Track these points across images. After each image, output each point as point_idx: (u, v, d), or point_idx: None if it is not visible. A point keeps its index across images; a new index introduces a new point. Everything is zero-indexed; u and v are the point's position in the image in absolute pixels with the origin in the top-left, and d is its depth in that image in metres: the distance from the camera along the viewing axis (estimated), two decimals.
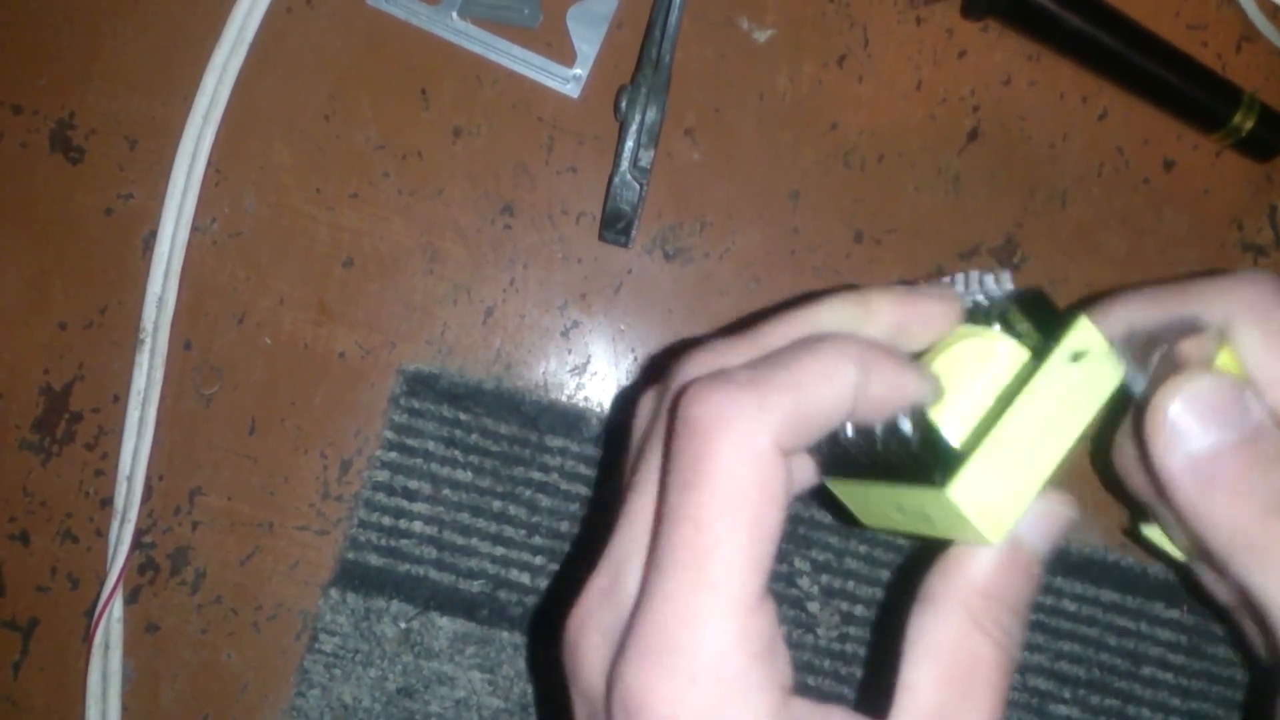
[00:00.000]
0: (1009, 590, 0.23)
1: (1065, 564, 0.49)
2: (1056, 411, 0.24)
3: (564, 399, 0.49)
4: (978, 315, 0.27)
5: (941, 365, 0.26)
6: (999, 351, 0.26)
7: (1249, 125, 0.49)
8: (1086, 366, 0.25)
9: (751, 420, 0.21)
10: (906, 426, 0.24)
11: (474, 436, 0.48)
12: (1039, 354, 0.25)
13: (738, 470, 0.21)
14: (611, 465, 0.49)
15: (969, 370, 0.26)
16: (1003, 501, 0.24)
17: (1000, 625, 0.23)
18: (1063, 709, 0.48)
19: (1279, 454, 0.23)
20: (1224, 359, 0.26)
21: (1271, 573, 0.23)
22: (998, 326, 0.26)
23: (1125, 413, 0.28)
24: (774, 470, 0.21)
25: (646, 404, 0.26)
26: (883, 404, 0.24)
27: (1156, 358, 0.25)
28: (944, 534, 0.25)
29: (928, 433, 0.25)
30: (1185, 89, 0.49)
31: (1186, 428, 0.23)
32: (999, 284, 0.27)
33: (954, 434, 0.25)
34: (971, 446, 0.24)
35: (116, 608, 0.47)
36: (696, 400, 0.22)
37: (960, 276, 0.27)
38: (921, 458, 0.24)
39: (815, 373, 0.22)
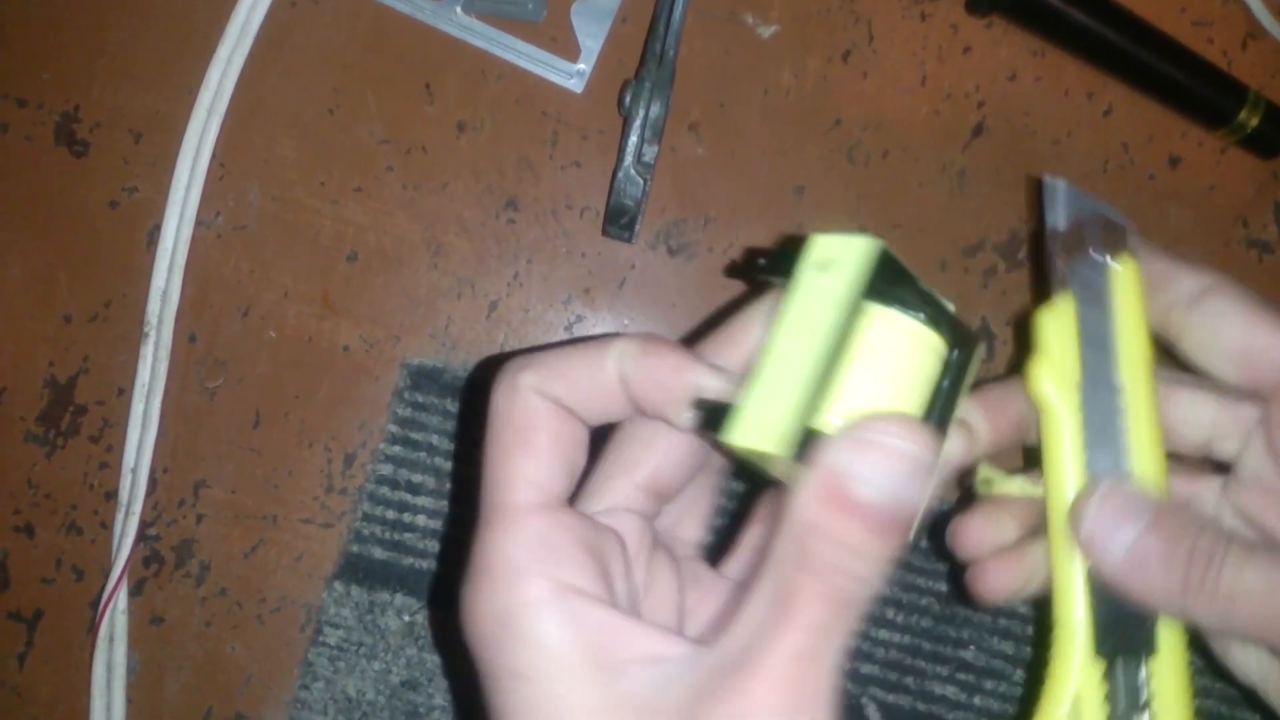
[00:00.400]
0: (833, 525, 0.22)
1: None
2: (809, 319, 0.24)
3: None
4: None
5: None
6: (771, 304, 0.26)
7: (1254, 122, 0.49)
8: (833, 270, 0.25)
9: (516, 374, 0.26)
10: (692, 414, 0.26)
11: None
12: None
13: (500, 406, 0.26)
14: None
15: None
16: (775, 415, 0.24)
17: (822, 559, 0.22)
18: None
19: (1185, 524, 0.27)
20: (1128, 271, 0.30)
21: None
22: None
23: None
24: (530, 403, 0.26)
25: None
26: (661, 387, 0.26)
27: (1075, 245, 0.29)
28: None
29: (705, 406, 0.25)
30: (1190, 86, 0.49)
31: (1105, 531, 0.28)
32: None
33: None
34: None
35: (121, 600, 0.47)
36: (496, 375, 0.27)
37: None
38: (711, 428, 0.25)
39: (585, 349, 0.26)
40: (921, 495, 0.23)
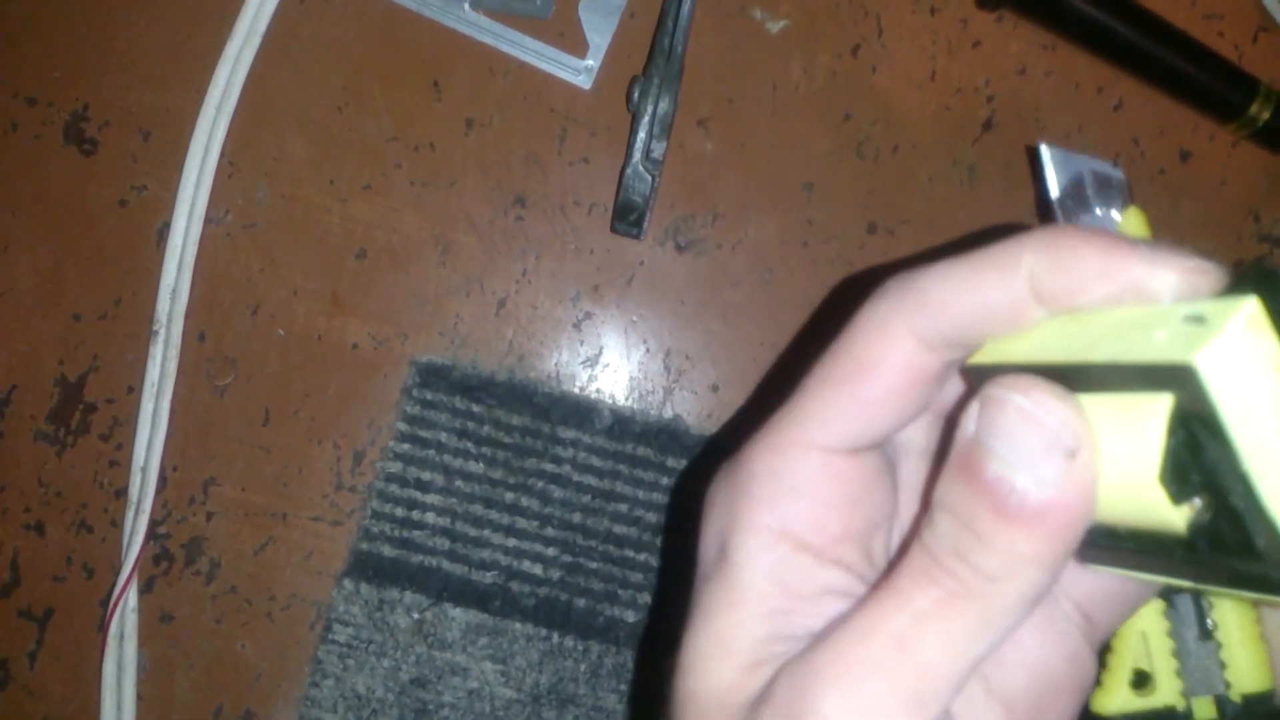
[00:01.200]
0: (958, 501, 0.19)
1: None
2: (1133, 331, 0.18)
3: (576, 390, 0.49)
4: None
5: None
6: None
7: (1266, 116, 0.49)
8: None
9: (894, 311, 0.21)
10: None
11: (486, 428, 0.48)
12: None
13: (856, 333, 0.21)
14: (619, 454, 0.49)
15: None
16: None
17: (940, 538, 0.20)
18: None
19: None
20: (1132, 220, 0.29)
21: None
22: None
23: None
24: (886, 347, 0.21)
25: None
26: (1078, 290, 0.19)
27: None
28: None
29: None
30: (1201, 79, 0.49)
31: None
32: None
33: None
34: None
35: (131, 598, 0.47)
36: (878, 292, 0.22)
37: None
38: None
39: (983, 264, 0.20)
40: (1073, 489, 0.17)
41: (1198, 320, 0.16)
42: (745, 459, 0.22)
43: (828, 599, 0.21)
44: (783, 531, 0.22)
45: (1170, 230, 0.51)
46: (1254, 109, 0.49)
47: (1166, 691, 0.28)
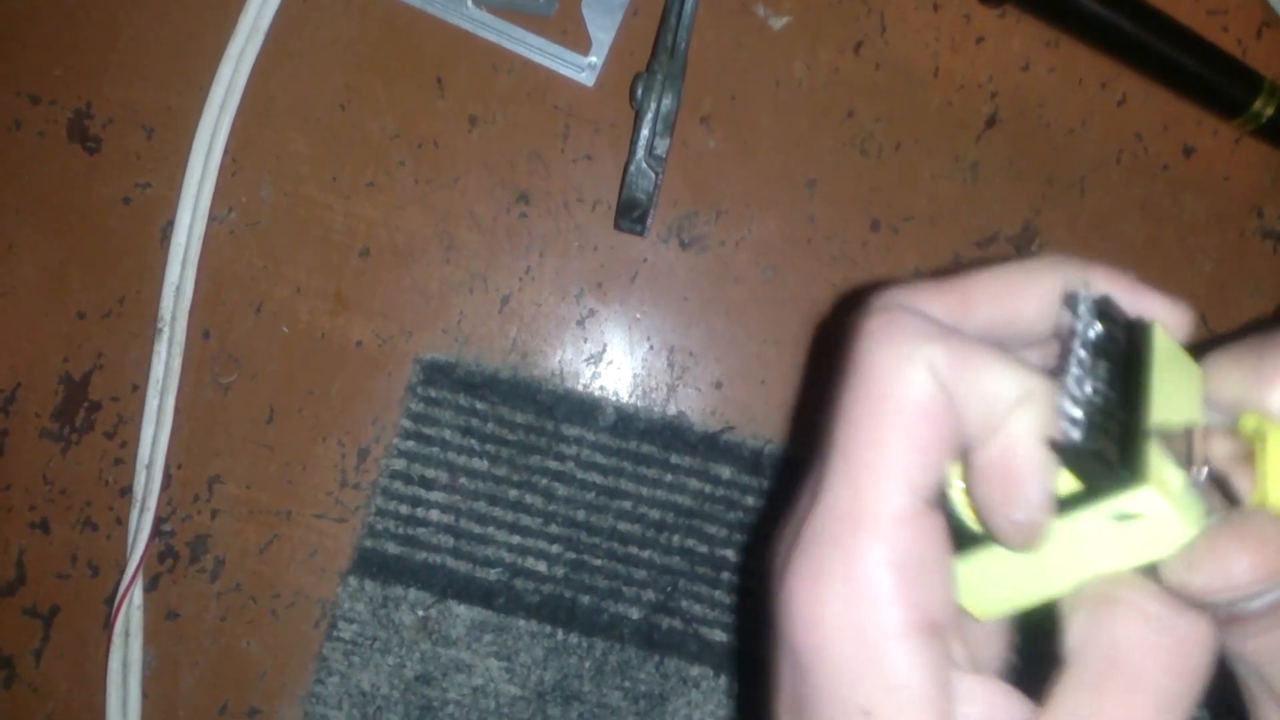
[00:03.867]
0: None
1: None
2: (1080, 550, 0.21)
3: (580, 388, 0.49)
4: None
5: None
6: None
7: (1269, 111, 0.49)
8: (1137, 526, 0.20)
9: (916, 342, 0.20)
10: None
11: (490, 425, 0.48)
12: (1088, 491, 0.20)
13: (885, 376, 0.21)
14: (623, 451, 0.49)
15: None
16: (994, 596, 0.22)
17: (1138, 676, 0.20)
18: None
19: None
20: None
21: None
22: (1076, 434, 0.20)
23: None
24: (927, 388, 0.20)
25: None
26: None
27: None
28: None
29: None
30: (1205, 75, 0.49)
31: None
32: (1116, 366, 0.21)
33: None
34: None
35: (136, 595, 0.47)
36: (873, 308, 0.21)
37: (1085, 309, 0.21)
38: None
39: (995, 353, 0.20)
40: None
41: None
42: (846, 551, 0.21)
43: (973, 682, 0.21)
44: (928, 625, 0.20)
45: (1173, 227, 0.51)
46: (1258, 105, 0.49)
47: None
